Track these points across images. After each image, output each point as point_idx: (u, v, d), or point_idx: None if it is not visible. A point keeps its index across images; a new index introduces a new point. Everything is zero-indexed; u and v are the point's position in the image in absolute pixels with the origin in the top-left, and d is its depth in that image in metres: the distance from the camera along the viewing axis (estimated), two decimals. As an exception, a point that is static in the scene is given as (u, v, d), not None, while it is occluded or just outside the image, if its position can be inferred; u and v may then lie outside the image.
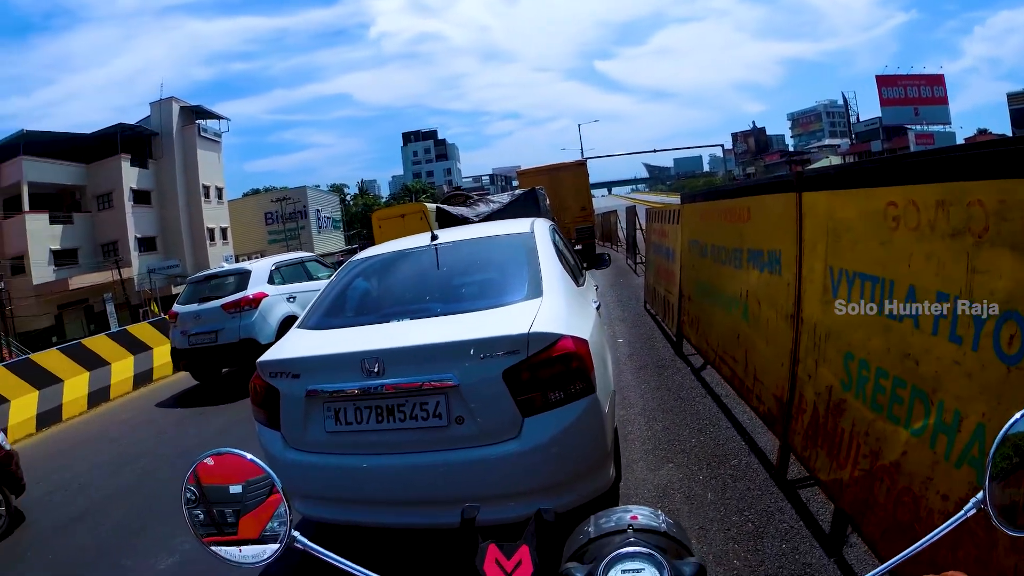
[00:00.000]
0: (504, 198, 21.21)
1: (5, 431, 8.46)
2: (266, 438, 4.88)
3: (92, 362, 14.66)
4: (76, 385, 14.02)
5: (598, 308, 6.12)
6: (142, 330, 16.98)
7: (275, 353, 5.05)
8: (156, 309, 49.50)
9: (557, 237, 6.44)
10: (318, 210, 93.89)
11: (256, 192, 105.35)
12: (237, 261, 66.90)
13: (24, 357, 14.70)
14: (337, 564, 1.38)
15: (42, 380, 13.28)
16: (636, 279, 20.03)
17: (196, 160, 65.62)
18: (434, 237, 5.88)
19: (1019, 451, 1.29)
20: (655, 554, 1.21)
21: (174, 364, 14.35)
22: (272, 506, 1.49)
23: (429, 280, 5.62)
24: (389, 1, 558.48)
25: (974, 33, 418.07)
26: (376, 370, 4.30)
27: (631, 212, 26.15)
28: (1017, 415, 1.31)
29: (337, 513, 4.72)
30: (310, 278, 14.98)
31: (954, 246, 3.10)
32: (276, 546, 1.46)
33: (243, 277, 13.76)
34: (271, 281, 13.90)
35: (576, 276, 6.09)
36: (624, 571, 1.19)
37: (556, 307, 4.62)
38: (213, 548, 1.51)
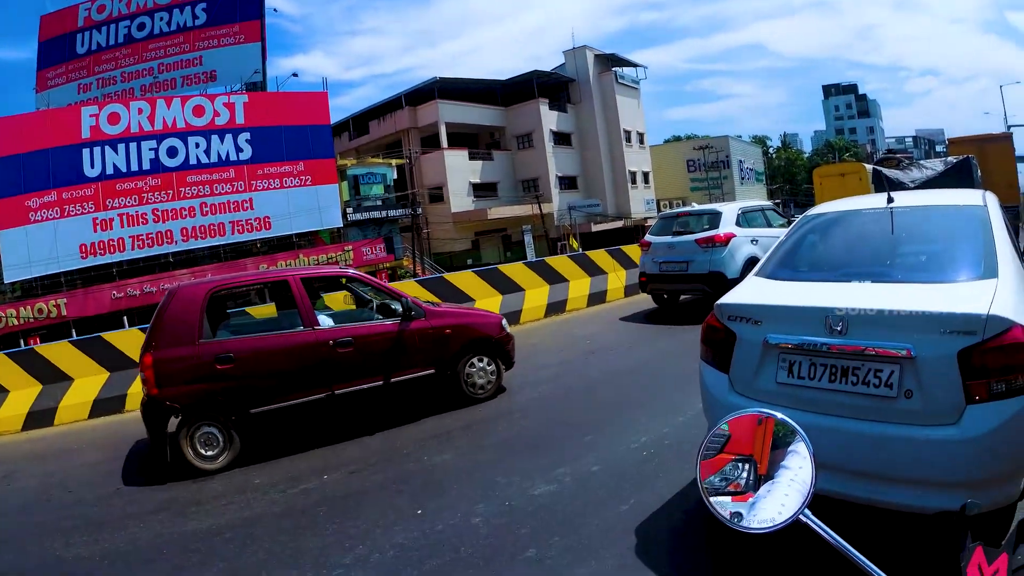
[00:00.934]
0: (938, 165, 21.25)
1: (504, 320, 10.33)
2: (711, 379, 5.15)
3: (507, 287, 16.58)
4: (488, 305, 15.73)
5: None
6: (560, 263, 18.28)
7: (736, 297, 5.26)
8: (575, 244, 52.18)
9: (1004, 215, 5.87)
10: (740, 160, 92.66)
11: (677, 139, 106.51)
12: (659, 207, 69.04)
13: (438, 275, 17.04)
14: (841, 547, 1.46)
15: (460, 298, 15.30)
16: None
17: (615, 106, 67.22)
18: (890, 199, 5.73)
19: None
20: None
21: (641, 286, 16.07)
22: (721, 464, 1.64)
23: (886, 244, 5.51)
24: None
25: None
26: (840, 329, 4.38)
27: None
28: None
29: None
30: (769, 225, 15.75)
31: None
32: (786, 518, 1.53)
33: (714, 217, 15.13)
34: (738, 223, 14.96)
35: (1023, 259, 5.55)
36: None
37: (1012, 291, 4.40)
38: (712, 500, 1.62)
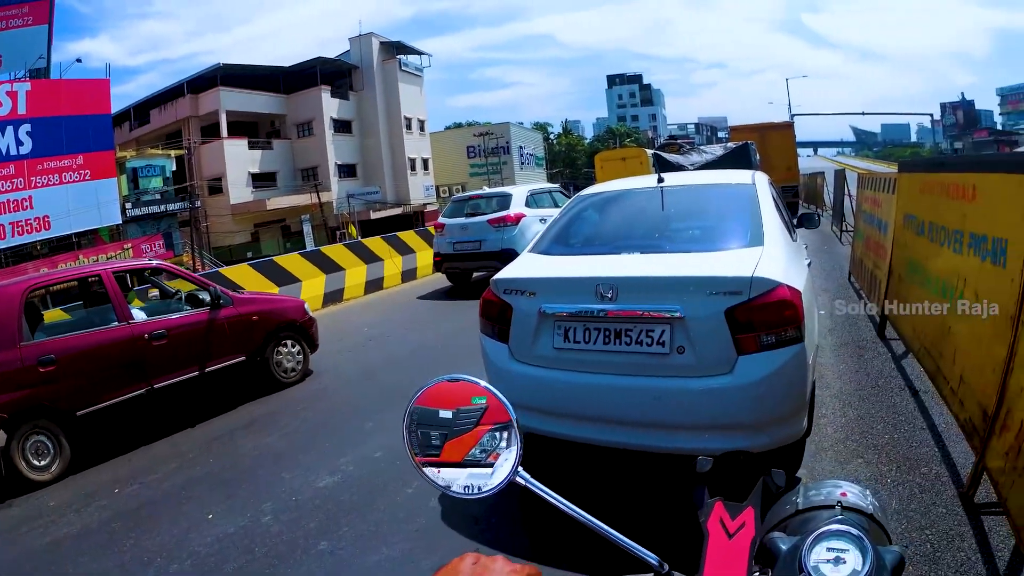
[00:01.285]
0: (718, 150, 23.18)
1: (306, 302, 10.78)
2: (492, 350, 5.54)
3: (283, 278, 16.52)
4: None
5: (809, 265, 6.51)
6: (336, 252, 18.63)
7: (511, 272, 5.68)
8: (354, 232, 51.92)
9: (774, 191, 6.76)
10: (521, 147, 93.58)
11: (459, 126, 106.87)
12: (438, 192, 71.27)
13: (215, 270, 16.98)
14: (559, 505, 1.44)
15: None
16: (841, 248, 19.35)
17: (397, 93, 67.71)
18: (661, 179, 6.30)
19: None
20: (863, 537, 1.23)
21: (435, 266, 17.36)
22: (478, 436, 1.56)
23: (656, 219, 6.04)
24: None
25: None
26: (610, 295, 4.82)
27: (840, 176, 25.23)
28: None
29: (550, 425, 5.21)
30: (555, 206, 16.93)
31: None
32: (499, 482, 1.51)
33: (505, 199, 16.64)
34: (527, 204, 16.45)
35: (791, 231, 6.47)
36: (829, 549, 1.23)
37: (776, 256, 4.98)
38: (427, 471, 1.58)
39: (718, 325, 4.57)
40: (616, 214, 6.64)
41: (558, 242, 6.20)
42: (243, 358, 9.50)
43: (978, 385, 5.11)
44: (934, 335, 6.63)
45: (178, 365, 8.78)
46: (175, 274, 9.84)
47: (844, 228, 21.50)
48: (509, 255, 14.03)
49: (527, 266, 5.80)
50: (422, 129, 74.17)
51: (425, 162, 74.21)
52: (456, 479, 1.55)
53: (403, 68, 69.81)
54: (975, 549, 4.27)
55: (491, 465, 1.53)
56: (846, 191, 22.87)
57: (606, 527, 1.41)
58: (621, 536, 1.40)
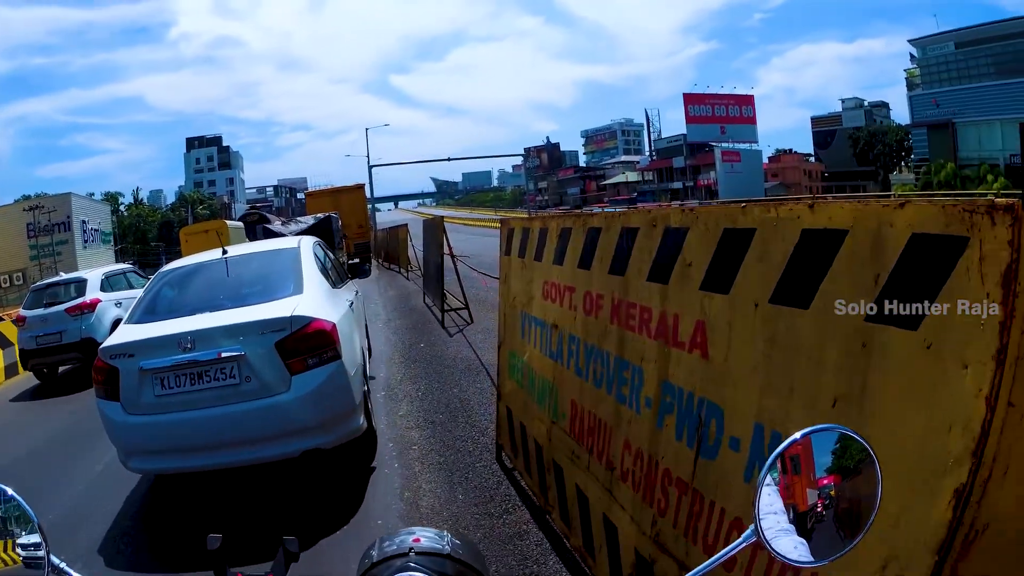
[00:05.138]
0: (309, 220, 28.35)
1: None
2: (107, 409, 6.38)
3: None
4: None
5: (351, 305, 8.26)
6: None
7: (113, 340, 6.67)
8: None
9: (320, 251, 8.65)
10: (84, 221, 76.12)
11: (28, 198, 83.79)
12: None
13: None
14: None
15: None
16: (450, 343, 13.48)
17: None
18: (224, 251, 7.72)
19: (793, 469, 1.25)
20: None
21: (22, 364, 16.27)
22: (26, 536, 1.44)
23: (222, 283, 7.40)
24: (195, 1, 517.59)
25: (771, 64, 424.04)
26: (189, 347, 6.07)
27: (434, 229, 18.12)
28: (796, 434, 1.27)
29: (167, 462, 6.50)
30: (131, 287, 16.97)
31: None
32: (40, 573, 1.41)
33: (81, 284, 16.15)
34: (103, 288, 16.18)
35: (334, 281, 8.37)
36: None
37: (312, 300, 6.67)
38: None
39: (271, 355, 6.06)
40: (191, 283, 7.82)
41: (147, 312, 7.25)
42: None
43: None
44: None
45: None
46: None
47: (446, 307, 16.16)
48: (90, 345, 14.08)
49: (125, 334, 6.78)
50: (-25, 204, 58.41)
51: (-23, 244, 59.82)
52: None
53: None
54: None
55: (40, 566, 1.44)
56: (446, 250, 16.52)
57: None
58: None
